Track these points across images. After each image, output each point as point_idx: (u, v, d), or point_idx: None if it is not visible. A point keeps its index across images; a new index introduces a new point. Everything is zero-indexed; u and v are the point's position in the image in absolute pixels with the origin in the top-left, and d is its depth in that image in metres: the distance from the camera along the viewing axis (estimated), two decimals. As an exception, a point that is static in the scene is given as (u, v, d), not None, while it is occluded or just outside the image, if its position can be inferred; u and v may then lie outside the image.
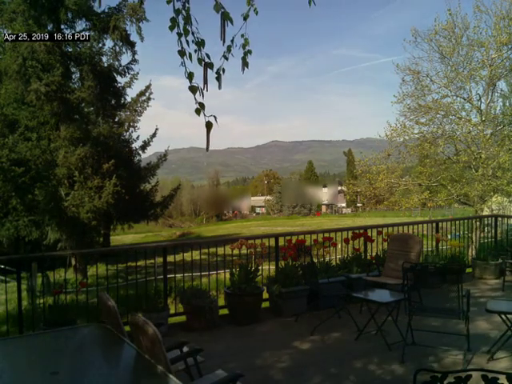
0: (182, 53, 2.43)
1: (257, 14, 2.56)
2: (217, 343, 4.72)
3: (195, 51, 2.46)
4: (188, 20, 2.43)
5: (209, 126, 2.45)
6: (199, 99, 2.43)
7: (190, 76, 2.44)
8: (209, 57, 2.48)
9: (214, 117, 2.44)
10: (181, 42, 2.44)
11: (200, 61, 2.48)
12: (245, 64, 2.62)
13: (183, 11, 2.42)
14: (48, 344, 2.77)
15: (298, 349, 4.56)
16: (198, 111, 2.44)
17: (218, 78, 2.53)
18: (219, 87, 2.54)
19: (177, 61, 2.44)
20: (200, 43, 2.46)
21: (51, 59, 15.25)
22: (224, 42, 2.49)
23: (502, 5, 13.32)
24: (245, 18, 2.53)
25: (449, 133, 14.36)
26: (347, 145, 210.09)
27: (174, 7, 2.41)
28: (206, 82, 2.48)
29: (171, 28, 2.42)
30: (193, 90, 2.43)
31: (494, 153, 13.14)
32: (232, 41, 2.52)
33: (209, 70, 2.48)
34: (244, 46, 2.58)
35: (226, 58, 2.55)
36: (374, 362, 4.14)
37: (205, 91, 2.46)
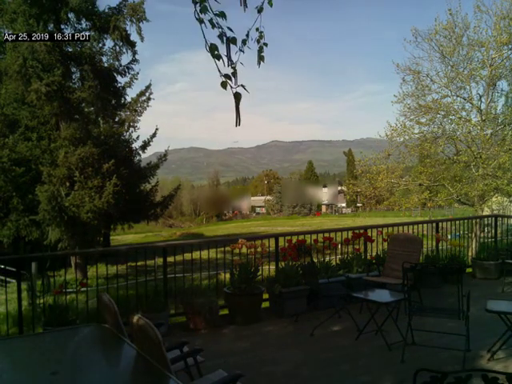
0: (200, 20, 2.21)
1: (271, 5, 2.44)
2: (217, 343, 4.72)
3: (208, 21, 2.21)
4: None
5: (237, 97, 2.26)
6: (224, 70, 2.21)
7: (212, 48, 2.22)
8: (231, 30, 2.27)
9: (243, 86, 2.25)
10: (196, 9, 2.20)
11: (221, 36, 2.27)
12: (260, 58, 2.52)
13: None
14: (48, 344, 2.77)
15: (298, 349, 4.56)
16: (224, 84, 2.24)
17: (234, 74, 2.38)
18: (235, 83, 2.37)
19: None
20: (220, 14, 2.23)
21: (51, 59, 15.25)
22: (246, 6, 2.28)
23: (503, 5, 13.33)
24: (259, 11, 2.42)
25: (449, 133, 14.36)
26: (347, 145, 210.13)
27: None
28: (229, 58, 2.29)
29: None
30: (217, 57, 2.20)
31: (494, 153, 13.14)
32: (247, 35, 2.39)
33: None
34: (259, 40, 2.47)
35: (242, 51, 2.41)
36: (374, 361, 4.14)
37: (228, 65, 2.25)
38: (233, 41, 2.31)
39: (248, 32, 2.40)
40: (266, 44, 2.49)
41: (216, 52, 2.22)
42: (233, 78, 2.26)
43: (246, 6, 2.32)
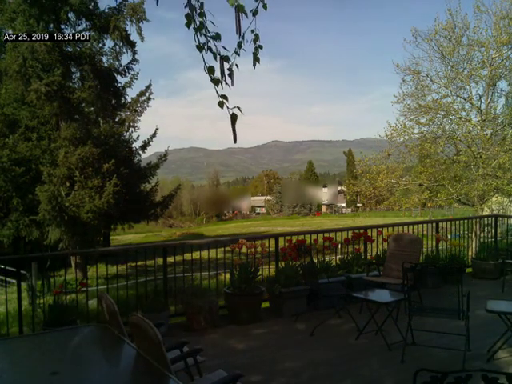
0: (200, 47, 2.44)
1: (266, 9, 2.54)
2: (217, 343, 4.72)
3: (204, 44, 2.45)
4: (202, 15, 2.44)
5: (234, 117, 2.45)
6: (221, 91, 2.43)
7: (211, 70, 2.44)
8: (226, 49, 2.48)
9: (238, 108, 2.44)
10: (197, 37, 2.43)
11: (215, 55, 2.47)
12: (256, 59, 2.63)
13: (197, 6, 2.42)
14: (48, 344, 2.77)
15: (298, 349, 4.56)
16: (221, 104, 2.44)
17: (231, 75, 2.52)
18: (232, 84, 2.54)
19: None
20: (215, 37, 2.46)
21: (51, 59, 15.25)
22: (240, 35, 2.49)
23: (502, 5, 13.34)
24: (254, 14, 2.51)
25: (449, 133, 14.36)
26: (347, 145, 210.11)
27: (188, 1, 2.41)
28: (223, 74, 2.48)
29: (187, 25, 2.42)
30: (215, 82, 2.43)
31: (494, 153, 13.14)
32: (243, 37, 2.52)
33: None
34: (255, 41, 2.57)
35: (238, 54, 2.54)
36: (374, 361, 4.14)
37: (225, 84, 2.46)
38: (225, 59, 2.48)
39: (243, 34, 2.50)
40: (261, 46, 2.60)
41: (213, 77, 2.44)
42: (228, 100, 2.45)
43: (240, 34, 2.50)
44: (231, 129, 2.50)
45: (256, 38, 2.57)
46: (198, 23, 2.44)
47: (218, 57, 2.47)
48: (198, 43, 2.44)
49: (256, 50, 2.61)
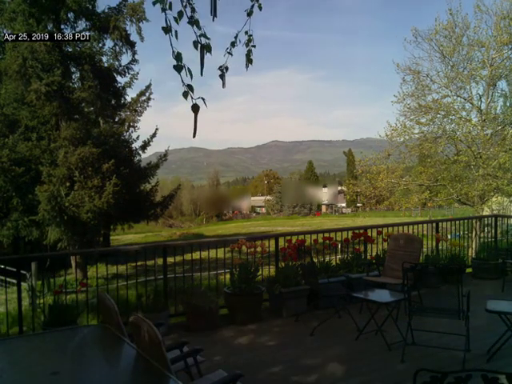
0: (166, 29, 2.21)
1: (261, 9, 2.48)
2: (217, 343, 4.72)
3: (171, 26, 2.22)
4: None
5: (195, 109, 2.26)
6: (187, 81, 2.24)
7: (178, 56, 2.22)
8: (207, 37, 2.29)
9: (203, 99, 2.25)
10: (166, 16, 2.21)
11: (196, 44, 2.28)
12: (249, 61, 2.56)
13: None
14: (48, 344, 2.77)
15: (298, 349, 4.56)
16: (185, 94, 2.24)
17: (222, 76, 2.43)
18: (223, 85, 2.45)
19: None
20: (194, 22, 2.26)
21: (51, 59, 15.25)
22: (202, 74, 2.34)
23: (503, 5, 13.34)
24: (248, 14, 2.45)
25: (449, 133, 14.36)
26: (347, 145, 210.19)
27: None
28: (202, 65, 2.31)
29: (154, 2, 2.21)
30: (177, 68, 2.22)
31: (495, 153, 13.14)
32: (236, 37, 2.44)
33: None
34: (248, 43, 2.51)
35: (231, 54, 2.46)
36: (374, 362, 4.14)
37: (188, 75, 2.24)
38: (207, 48, 2.31)
39: (237, 34, 2.45)
40: (254, 46, 2.53)
41: (179, 63, 2.23)
42: (193, 91, 2.26)
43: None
44: (193, 122, 2.32)
45: (249, 40, 2.50)
46: (167, 3, 2.21)
47: (199, 46, 2.30)
48: (165, 24, 2.22)
49: (249, 51, 2.54)
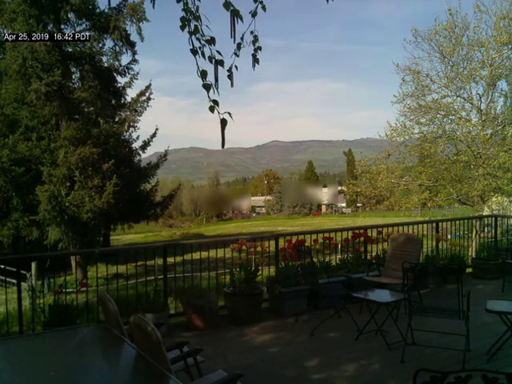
0: (194, 51, 2.45)
1: (265, 10, 2.56)
2: (217, 343, 4.72)
3: (199, 48, 2.47)
4: (198, 19, 2.45)
5: (223, 122, 2.46)
6: (213, 97, 2.44)
7: (203, 74, 2.44)
8: (220, 53, 2.49)
9: (229, 113, 2.44)
10: (191, 40, 2.45)
11: (210, 59, 2.48)
12: (255, 61, 2.65)
13: (193, 9, 2.44)
14: (48, 344, 2.77)
15: (298, 349, 4.56)
16: (211, 108, 2.44)
17: (230, 76, 2.54)
18: (231, 85, 2.56)
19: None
20: (210, 41, 2.47)
21: (51, 59, 15.25)
22: (235, 40, 2.51)
23: (502, 5, 13.32)
24: (253, 15, 2.53)
25: (449, 133, 14.35)
26: (347, 145, 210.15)
27: (183, 5, 2.43)
28: (217, 79, 2.49)
29: (182, 27, 2.44)
30: (206, 87, 2.43)
31: (494, 153, 13.13)
32: (242, 38, 2.54)
33: (220, 67, 2.50)
34: (254, 43, 2.59)
35: (237, 55, 2.56)
36: (374, 362, 4.14)
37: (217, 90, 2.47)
38: (220, 63, 2.49)
39: (243, 36, 2.53)
40: (260, 48, 2.62)
41: (205, 81, 2.43)
42: (219, 106, 2.45)
43: (235, 39, 2.52)
44: (221, 134, 2.51)
45: (255, 40, 2.58)
46: (192, 26, 2.45)
47: (214, 61, 2.48)
48: (192, 46, 2.46)
49: (255, 51, 2.62)
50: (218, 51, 2.48)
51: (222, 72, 2.53)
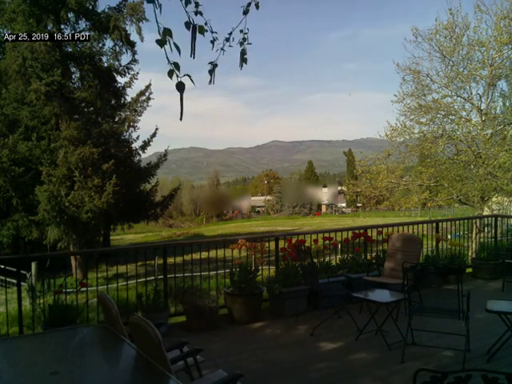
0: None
1: (258, 8, 2.38)
2: (217, 343, 4.72)
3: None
4: None
5: (181, 86, 2.05)
6: (173, 58, 2.06)
7: (165, 32, 2.00)
8: (201, 14, 2.13)
9: (189, 76, 2.05)
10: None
11: (188, 24, 2.13)
12: (243, 60, 2.47)
13: None
14: (48, 344, 2.77)
15: (298, 349, 4.56)
16: (170, 73, 2.05)
17: (211, 72, 2.31)
18: (211, 81, 2.33)
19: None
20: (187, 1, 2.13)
21: (51, 59, 15.25)
22: (194, 56, 2.16)
23: (503, 5, 13.31)
24: (245, 13, 2.34)
25: (449, 133, 14.35)
26: (347, 145, 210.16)
27: None
28: (193, 48, 2.13)
29: None
30: (161, 43, 2.00)
31: (495, 152, 13.13)
32: (230, 34, 2.34)
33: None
34: (242, 42, 2.41)
35: (224, 50, 2.35)
36: (374, 361, 4.14)
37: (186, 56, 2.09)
38: (200, 30, 2.15)
39: (231, 32, 2.36)
40: (249, 43, 2.43)
41: (164, 38, 2.02)
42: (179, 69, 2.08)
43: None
44: (179, 103, 2.12)
45: (244, 38, 2.40)
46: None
47: (191, 26, 2.14)
48: None
49: (243, 50, 2.44)
50: (200, 12, 2.16)
51: (204, 67, 2.21)
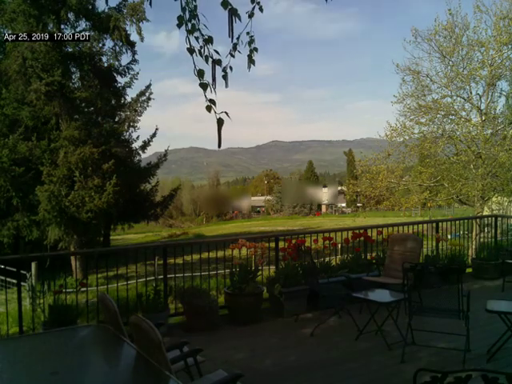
0: (191, 50, 2.43)
1: (262, 11, 2.54)
2: (217, 343, 4.72)
3: (200, 47, 2.46)
4: (195, 17, 2.43)
5: (220, 122, 2.43)
6: (210, 96, 2.42)
7: (200, 73, 2.42)
8: (217, 53, 2.48)
9: (226, 113, 2.40)
10: (189, 39, 2.43)
11: (207, 58, 2.46)
12: (251, 61, 2.63)
13: (190, 6, 2.42)
14: (48, 344, 2.77)
15: (298, 349, 4.56)
16: (208, 108, 2.41)
17: (225, 77, 2.52)
18: (226, 85, 2.55)
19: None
20: (208, 40, 2.45)
21: (51, 59, 15.26)
22: (232, 38, 2.49)
23: (502, 5, 13.32)
24: (250, 16, 2.52)
25: (449, 133, 14.35)
26: (347, 145, 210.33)
27: (181, 4, 2.41)
28: (214, 79, 2.47)
29: (179, 25, 2.41)
30: (203, 87, 2.41)
31: (494, 152, 13.13)
32: (238, 38, 2.52)
33: (217, 66, 2.49)
34: (250, 44, 2.57)
35: (233, 56, 2.54)
36: (374, 362, 4.14)
37: (214, 89, 2.45)
38: (218, 62, 2.48)
39: (239, 36, 2.52)
40: (256, 49, 2.61)
41: (202, 80, 2.42)
42: (216, 105, 2.44)
43: (232, 38, 2.52)
44: (217, 134, 2.48)
45: (251, 41, 2.56)
46: (190, 25, 2.44)
47: (210, 60, 2.46)
48: (189, 46, 2.44)
49: (251, 52, 2.61)
50: (215, 50, 2.47)
51: (217, 71, 2.51)
